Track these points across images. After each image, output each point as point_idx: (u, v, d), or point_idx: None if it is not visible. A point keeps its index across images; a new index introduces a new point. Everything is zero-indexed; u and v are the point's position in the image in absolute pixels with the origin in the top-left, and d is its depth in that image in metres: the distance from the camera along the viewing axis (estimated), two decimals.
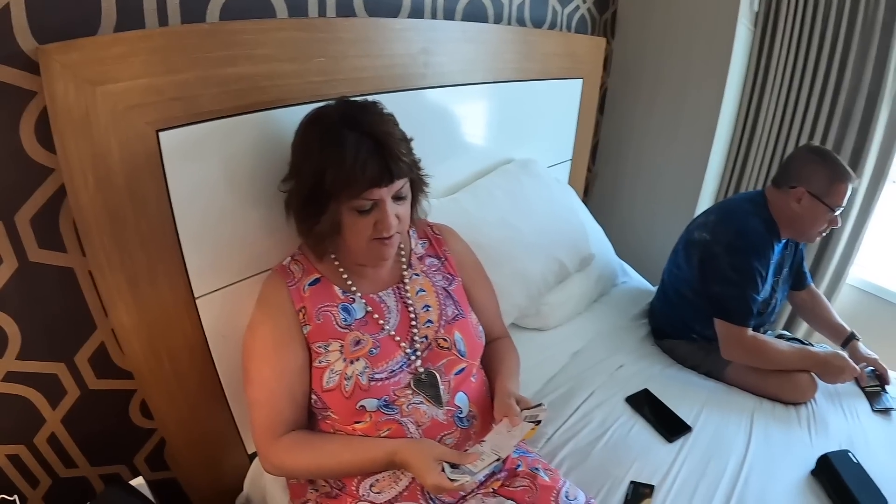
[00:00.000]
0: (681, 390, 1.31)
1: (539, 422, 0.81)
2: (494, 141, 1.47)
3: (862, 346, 1.45)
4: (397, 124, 0.83)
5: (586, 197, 2.30)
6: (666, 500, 1.01)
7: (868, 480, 1.11)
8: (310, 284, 0.87)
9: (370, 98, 0.84)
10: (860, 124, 1.98)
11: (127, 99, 0.76)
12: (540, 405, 0.83)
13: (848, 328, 1.51)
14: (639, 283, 1.81)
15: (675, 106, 1.99)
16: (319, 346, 0.85)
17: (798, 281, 1.58)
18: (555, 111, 1.68)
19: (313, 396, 0.86)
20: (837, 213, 1.33)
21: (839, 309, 2.26)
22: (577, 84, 1.71)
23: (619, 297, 1.68)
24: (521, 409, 0.82)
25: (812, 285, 1.63)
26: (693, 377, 1.41)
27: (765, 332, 1.47)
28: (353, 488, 0.85)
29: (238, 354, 0.94)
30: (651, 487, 1.03)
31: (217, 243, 0.92)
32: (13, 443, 0.92)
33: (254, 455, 1.12)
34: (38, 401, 0.92)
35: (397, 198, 0.82)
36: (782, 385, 1.34)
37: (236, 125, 0.89)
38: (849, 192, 1.33)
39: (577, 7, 1.80)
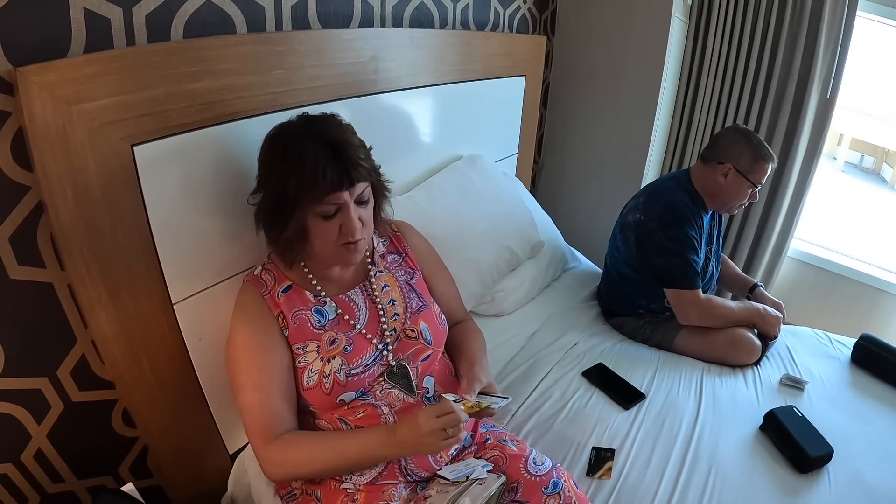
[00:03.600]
0: (632, 362, 1.48)
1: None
2: (444, 139, 1.60)
3: (765, 292, 1.69)
4: (355, 133, 0.93)
5: (534, 188, 2.47)
6: (626, 462, 1.15)
7: (813, 431, 1.27)
8: (282, 291, 0.96)
9: (328, 109, 0.95)
10: (792, 108, 2.22)
11: (101, 116, 0.83)
12: (504, 397, 0.96)
13: (752, 279, 1.74)
14: (588, 267, 1.98)
15: (614, 97, 2.17)
16: (298, 348, 0.93)
17: None
18: (500, 108, 1.83)
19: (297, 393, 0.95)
20: (758, 189, 1.54)
21: (783, 279, 2.53)
22: (519, 81, 1.86)
23: (570, 281, 1.84)
24: (480, 394, 0.94)
25: (722, 254, 1.85)
26: (643, 350, 1.58)
27: None
28: (338, 480, 0.94)
29: (215, 356, 1.02)
30: (612, 451, 1.17)
31: (191, 250, 1.00)
32: (1, 462, 0.96)
33: (235, 455, 1.20)
34: (23, 417, 0.96)
35: (359, 202, 0.91)
36: (728, 349, 1.52)
37: (204, 137, 0.97)
38: (769, 172, 1.53)
39: (518, 7, 1.95)
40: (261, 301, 0.95)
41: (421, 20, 1.51)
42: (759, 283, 1.73)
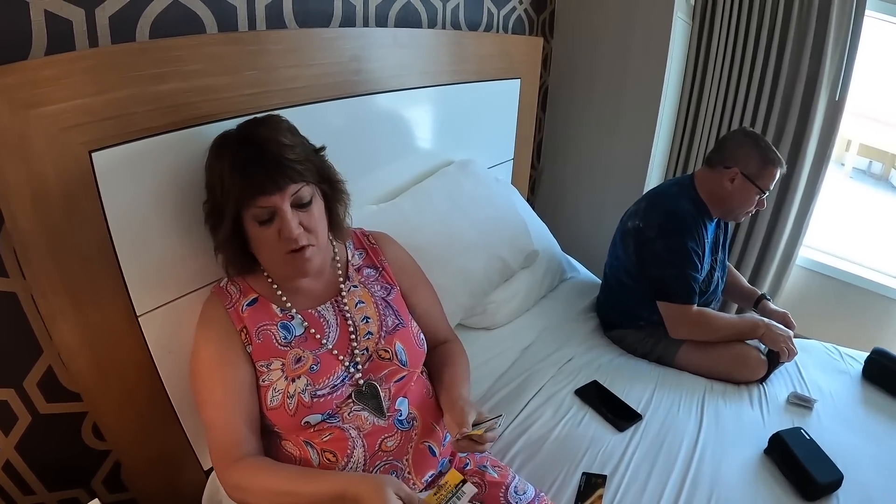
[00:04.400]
0: (630, 378, 1.43)
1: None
2: (434, 144, 1.58)
3: (771, 304, 1.64)
4: (294, 132, 0.90)
5: (532, 195, 2.45)
6: (619, 488, 1.10)
7: (821, 455, 1.22)
8: (248, 305, 0.94)
9: (306, 112, 0.93)
10: (800, 111, 2.19)
11: (61, 121, 0.81)
12: (497, 417, 0.90)
13: (757, 291, 1.69)
14: (586, 277, 1.94)
15: (616, 101, 2.16)
16: (262, 365, 0.91)
17: None
18: (494, 111, 1.80)
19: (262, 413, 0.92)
20: (765, 195, 1.49)
21: (791, 288, 2.48)
22: (514, 84, 1.84)
23: (567, 292, 1.81)
24: (474, 424, 0.88)
25: (728, 263, 1.80)
26: (643, 365, 1.53)
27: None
28: None
29: (185, 369, 1.00)
30: (603, 477, 1.12)
31: (156, 260, 0.98)
32: None
33: (210, 471, 1.17)
34: None
35: (299, 205, 0.87)
36: (732, 364, 1.47)
37: (170, 142, 0.95)
38: (777, 177, 1.49)
39: (514, 8, 1.94)
40: (224, 314, 0.93)
41: (408, 20, 1.50)
42: (766, 295, 1.68)
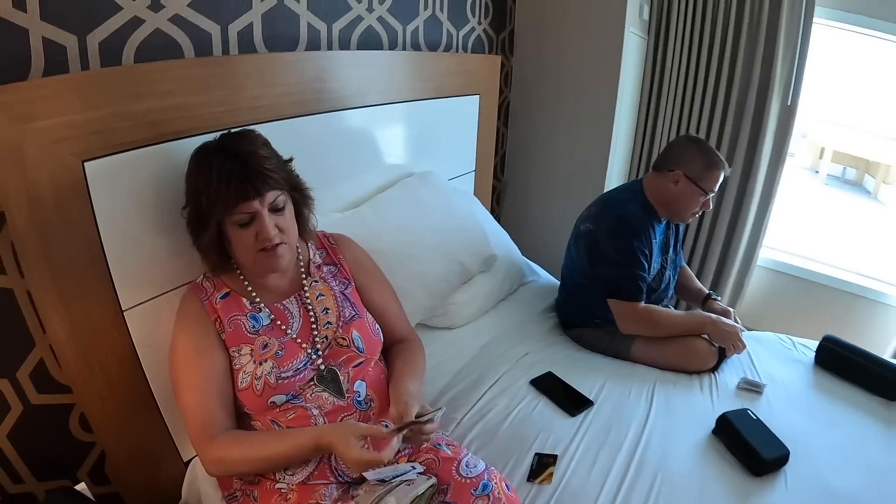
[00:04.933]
0: (585, 370, 1.56)
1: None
2: (395, 157, 1.75)
3: (718, 302, 1.78)
4: (268, 145, 1.06)
5: (498, 205, 2.62)
6: (568, 467, 1.21)
7: (768, 433, 1.32)
8: (221, 298, 1.08)
9: (271, 128, 1.08)
10: (754, 116, 2.40)
11: (52, 134, 0.96)
12: (438, 409, 1.03)
13: (706, 290, 1.84)
14: (547, 281, 2.09)
15: (573, 114, 2.34)
16: (234, 351, 1.04)
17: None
18: (454, 126, 1.98)
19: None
20: (710, 196, 1.63)
21: (755, 288, 2.67)
22: (474, 100, 2.02)
23: (528, 295, 1.95)
24: (416, 416, 1.01)
25: (685, 265, 1.97)
26: (598, 359, 1.66)
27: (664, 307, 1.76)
28: (271, 474, 1.03)
29: (165, 362, 1.13)
30: (554, 457, 1.23)
31: (140, 260, 1.12)
32: None
33: (189, 462, 1.29)
34: None
35: (274, 210, 1.02)
36: (684, 356, 1.60)
37: (150, 154, 1.10)
38: (721, 179, 1.63)
39: (473, 29, 2.13)
40: (200, 307, 1.07)
41: (369, 43, 1.68)
42: (712, 294, 1.83)
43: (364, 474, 0.98)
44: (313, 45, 1.51)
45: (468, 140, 2.07)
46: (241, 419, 1.08)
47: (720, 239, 2.62)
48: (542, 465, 1.21)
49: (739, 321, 1.71)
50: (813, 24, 2.20)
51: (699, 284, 1.92)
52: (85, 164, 1.00)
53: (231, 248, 1.04)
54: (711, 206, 1.70)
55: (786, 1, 2.16)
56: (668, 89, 2.47)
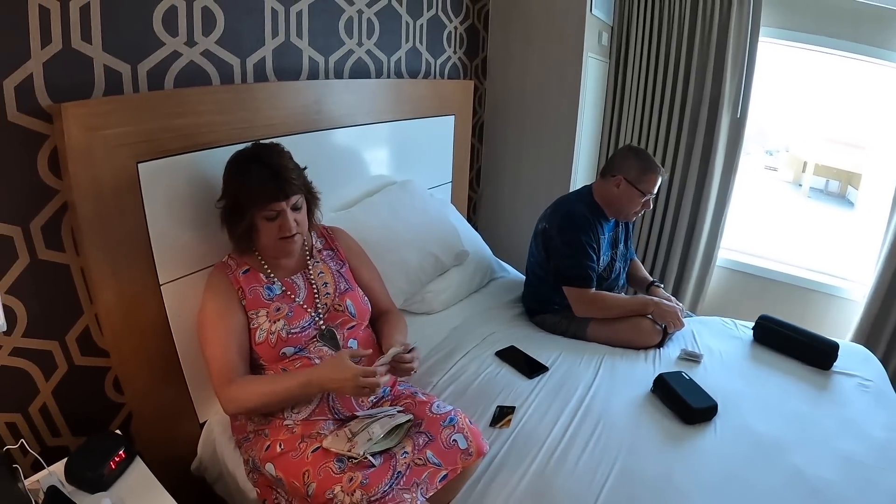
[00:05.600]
0: (543, 346, 1.89)
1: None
2: (381, 168, 2.10)
3: (661, 289, 2.13)
4: (291, 158, 1.38)
5: (474, 214, 2.98)
6: (524, 416, 1.53)
7: (699, 389, 1.62)
8: (242, 273, 1.40)
9: (276, 140, 1.42)
10: (706, 128, 2.80)
11: (114, 140, 1.27)
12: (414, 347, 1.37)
13: (650, 278, 2.20)
14: (516, 277, 2.44)
15: (539, 132, 2.72)
16: (252, 314, 1.36)
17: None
18: (432, 142, 2.34)
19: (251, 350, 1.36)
20: (648, 198, 1.98)
21: (714, 288, 3.06)
22: (449, 119, 2.39)
23: (497, 288, 2.31)
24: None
25: (636, 259, 2.32)
26: (557, 338, 1.98)
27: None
28: (280, 414, 1.33)
29: (191, 331, 1.43)
30: (513, 408, 1.55)
31: (176, 243, 1.43)
32: (12, 411, 1.32)
33: (204, 424, 1.58)
34: (35, 374, 1.34)
35: (294, 208, 1.34)
36: (631, 333, 1.93)
37: (186, 160, 1.42)
38: (658, 182, 1.98)
39: (449, 57, 2.51)
40: (226, 279, 1.38)
41: (359, 72, 2.03)
42: (656, 281, 2.19)
43: (356, 413, 1.29)
44: (313, 74, 1.86)
45: (445, 154, 2.44)
46: (255, 371, 1.39)
47: (680, 241, 3.00)
48: (503, 414, 1.53)
49: (680, 304, 2.06)
50: (759, 43, 2.61)
51: (645, 273, 2.28)
52: (139, 164, 1.33)
53: (257, 235, 1.36)
54: (651, 207, 2.04)
55: (733, 22, 2.56)
56: (629, 106, 2.88)
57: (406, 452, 1.23)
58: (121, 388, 1.49)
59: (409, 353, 1.35)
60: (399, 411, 1.34)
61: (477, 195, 3.01)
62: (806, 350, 1.92)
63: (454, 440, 1.26)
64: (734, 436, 1.53)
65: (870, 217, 2.86)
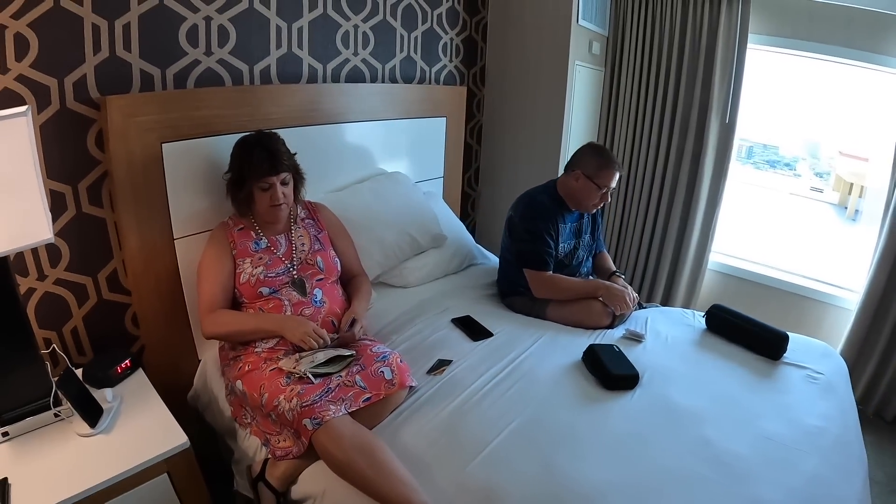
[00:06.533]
0: (500, 319, 2.23)
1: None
2: (371, 160, 2.55)
3: (620, 279, 2.44)
4: (285, 144, 1.84)
5: (473, 210, 3.40)
6: (458, 368, 1.85)
7: (624, 359, 1.88)
8: (237, 230, 1.86)
9: (274, 130, 1.89)
10: (696, 132, 3.11)
11: (145, 125, 1.77)
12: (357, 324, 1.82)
13: (613, 268, 2.53)
14: (496, 264, 2.79)
15: (531, 135, 3.11)
16: (240, 261, 1.81)
17: (595, 248, 2.60)
18: (423, 140, 2.78)
19: (235, 290, 1.82)
20: (605, 191, 2.29)
21: (706, 291, 3.35)
22: (441, 121, 2.82)
23: (475, 272, 2.69)
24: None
25: (605, 252, 2.66)
26: (518, 316, 2.32)
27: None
28: (253, 344, 1.76)
29: (194, 279, 1.91)
30: (449, 361, 1.88)
31: (188, 208, 1.91)
32: (49, 329, 1.81)
33: (201, 361, 2.04)
34: (70, 301, 1.83)
35: (283, 183, 1.80)
36: (582, 313, 2.25)
37: (200, 143, 1.91)
38: (615, 177, 2.27)
39: (445, 66, 2.96)
40: (224, 234, 1.85)
41: (355, 78, 2.51)
42: (618, 272, 2.51)
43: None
44: (312, 79, 2.34)
45: (437, 152, 2.88)
46: (238, 308, 1.84)
47: (671, 244, 3.30)
48: (439, 364, 1.90)
49: (634, 294, 2.36)
50: (748, 50, 2.89)
51: (610, 265, 2.59)
52: (162, 144, 1.82)
53: (252, 202, 1.82)
54: (609, 199, 2.34)
55: (721, 30, 2.87)
56: (623, 112, 3.24)
57: (340, 377, 1.65)
58: (137, 324, 1.98)
59: (351, 326, 1.80)
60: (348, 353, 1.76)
61: (476, 193, 3.43)
62: (756, 340, 2.15)
63: (381, 371, 1.67)
64: (650, 403, 1.77)
65: (870, 226, 2.99)
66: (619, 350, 1.97)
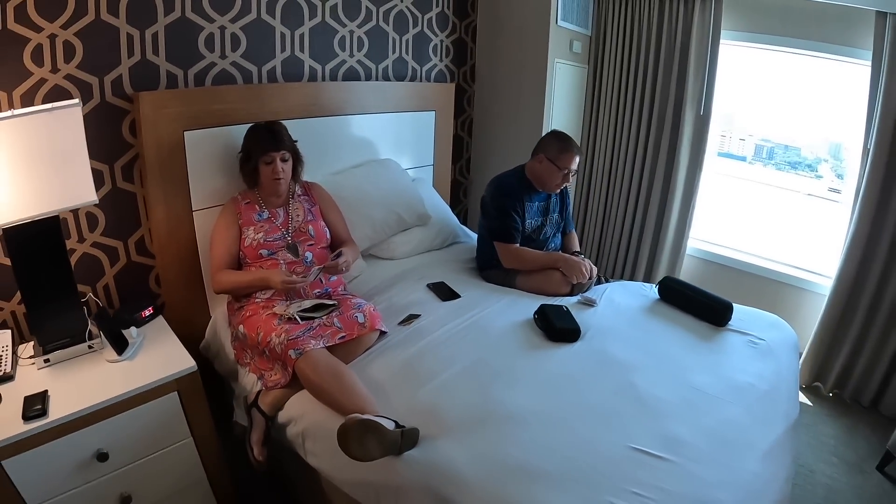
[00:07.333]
0: (471, 285, 2.64)
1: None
2: (368, 148, 3.01)
3: (583, 258, 2.83)
4: (287, 130, 2.30)
5: (465, 197, 3.84)
6: (424, 321, 2.25)
7: (570, 317, 2.25)
8: (245, 203, 2.32)
9: (280, 120, 2.36)
10: (672, 124, 3.46)
11: (171, 116, 2.24)
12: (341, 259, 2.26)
13: (577, 249, 2.93)
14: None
15: (516, 129, 3.54)
16: (245, 229, 2.27)
17: (563, 228, 3.01)
18: (413, 132, 3.24)
19: (241, 252, 2.29)
20: (566, 172, 2.68)
21: (686, 276, 3.67)
22: (430, 115, 3.28)
23: (458, 249, 3.13)
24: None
25: (573, 232, 3.06)
26: (490, 285, 2.73)
27: None
28: (255, 295, 2.23)
29: (208, 245, 2.38)
30: (418, 315, 2.32)
31: (205, 185, 2.38)
32: (86, 284, 2.28)
33: (211, 317, 2.52)
34: (104, 261, 2.30)
35: (283, 160, 2.26)
36: (544, 282, 2.65)
37: (216, 132, 2.37)
38: (575, 160, 2.63)
39: (435, 65, 3.41)
40: (233, 207, 2.32)
41: (351, 77, 2.98)
42: (580, 253, 2.91)
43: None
44: (312, 78, 2.81)
45: (427, 142, 3.34)
46: (242, 267, 2.30)
47: (650, 231, 3.68)
48: (410, 318, 2.34)
49: (594, 268, 2.77)
50: (721, 45, 3.25)
51: (575, 246, 3.00)
52: (185, 132, 2.29)
53: (258, 175, 2.28)
54: (571, 181, 2.75)
55: (695, 28, 3.24)
56: (605, 106, 3.65)
57: (322, 320, 2.10)
58: (160, 283, 2.46)
59: (337, 258, 2.24)
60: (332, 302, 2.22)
61: (468, 181, 3.88)
62: (703, 308, 2.49)
63: (356, 316, 2.11)
64: (587, 353, 2.13)
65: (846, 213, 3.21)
66: (568, 310, 2.34)
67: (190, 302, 2.47)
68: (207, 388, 1.99)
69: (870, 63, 2.85)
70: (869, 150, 2.90)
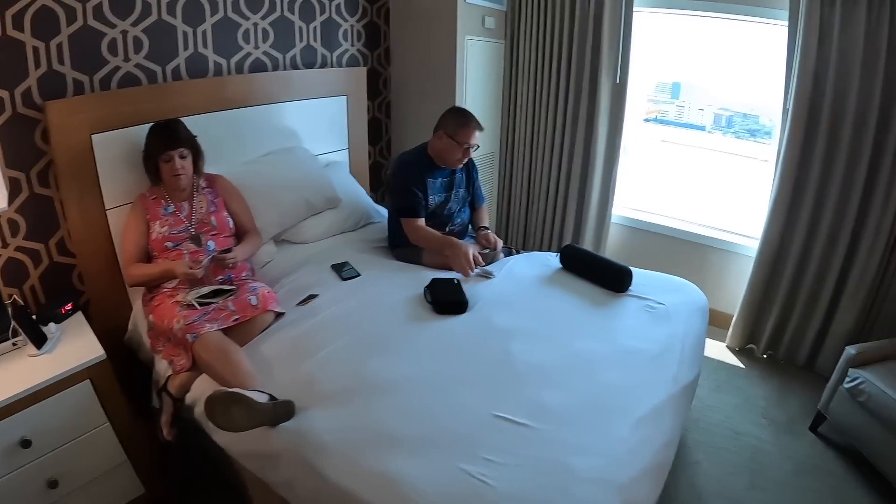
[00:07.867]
0: (377, 264, 3.09)
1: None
2: (274, 137, 3.45)
3: (485, 233, 3.33)
4: (184, 126, 2.75)
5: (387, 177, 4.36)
6: (321, 301, 2.61)
7: (459, 291, 2.60)
8: (151, 199, 2.76)
9: (184, 118, 2.80)
10: (588, 94, 3.89)
11: (79, 122, 2.65)
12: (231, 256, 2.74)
13: (485, 224, 3.44)
14: None
15: (429, 107, 3.95)
16: (152, 224, 2.72)
17: (472, 202, 3.51)
18: (325, 116, 3.71)
19: (149, 246, 2.73)
20: (465, 147, 3.13)
21: (611, 243, 4.16)
22: (341, 99, 3.77)
23: (371, 230, 3.61)
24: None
25: (482, 207, 3.57)
26: (395, 262, 3.19)
27: (449, 229, 3.31)
28: (164, 286, 2.70)
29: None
30: (316, 295, 2.69)
31: (116, 184, 2.83)
32: (12, 286, 2.71)
33: (132, 309, 3.03)
34: (28, 264, 2.72)
35: (181, 157, 2.66)
36: (446, 259, 3.07)
37: (123, 133, 2.82)
38: (474, 135, 3.02)
39: (347, 50, 3.89)
40: (141, 203, 2.75)
41: (258, 68, 3.44)
42: (485, 227, 3.42)
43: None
44: (218, 73, 3.26)
45: (340, 127, 3.83)
46: (150, 260, 2.76)
47: (574, 199, 4.18)
48: (308, 298, 2.77)
49: (500, 244, 3.30)
50: (634, 13, 3.69)
51: (481, 220, 3.48)
52: (92, 136, 2.73)
53: (160, 173, 2.73)
54: (472, 155, 3.20)
55: None
56: (523, 80, 4.11)
57: (218, 304, 2.58)
58: (83, 281, 2.92)
59: (225, 253, 2.71)
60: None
61: (388, 162, 4.40)
62: (602, 274, 2.88)
63: (249, 299, 2.58)
64: (470, 324, 2.46)
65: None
66: (458, 283, 2.71)
67: (112, 296, 2.92)
68: (136, 377, 2.46)
69: (787, 23, 3.22)
70: (788, 110, 3.25)
